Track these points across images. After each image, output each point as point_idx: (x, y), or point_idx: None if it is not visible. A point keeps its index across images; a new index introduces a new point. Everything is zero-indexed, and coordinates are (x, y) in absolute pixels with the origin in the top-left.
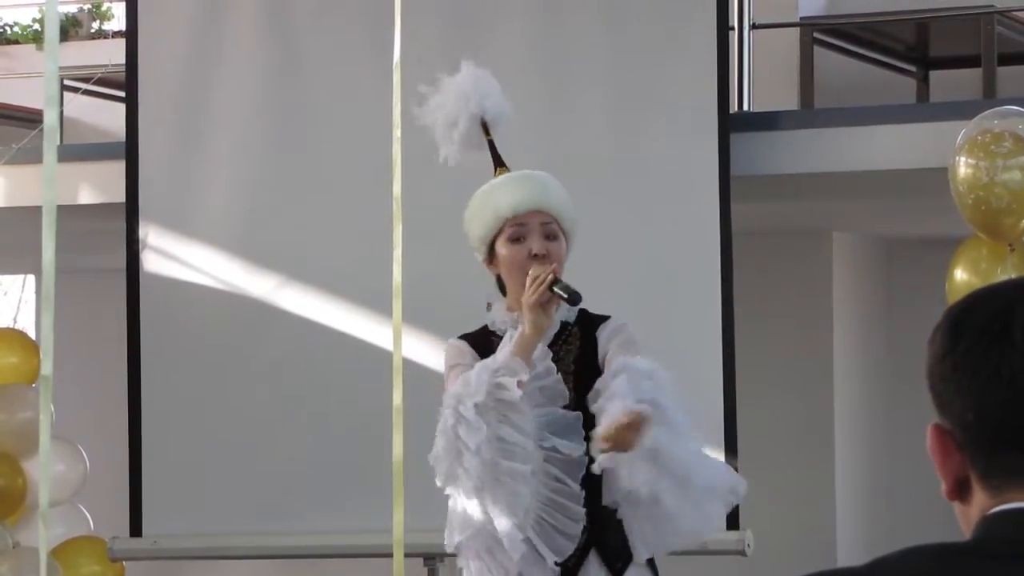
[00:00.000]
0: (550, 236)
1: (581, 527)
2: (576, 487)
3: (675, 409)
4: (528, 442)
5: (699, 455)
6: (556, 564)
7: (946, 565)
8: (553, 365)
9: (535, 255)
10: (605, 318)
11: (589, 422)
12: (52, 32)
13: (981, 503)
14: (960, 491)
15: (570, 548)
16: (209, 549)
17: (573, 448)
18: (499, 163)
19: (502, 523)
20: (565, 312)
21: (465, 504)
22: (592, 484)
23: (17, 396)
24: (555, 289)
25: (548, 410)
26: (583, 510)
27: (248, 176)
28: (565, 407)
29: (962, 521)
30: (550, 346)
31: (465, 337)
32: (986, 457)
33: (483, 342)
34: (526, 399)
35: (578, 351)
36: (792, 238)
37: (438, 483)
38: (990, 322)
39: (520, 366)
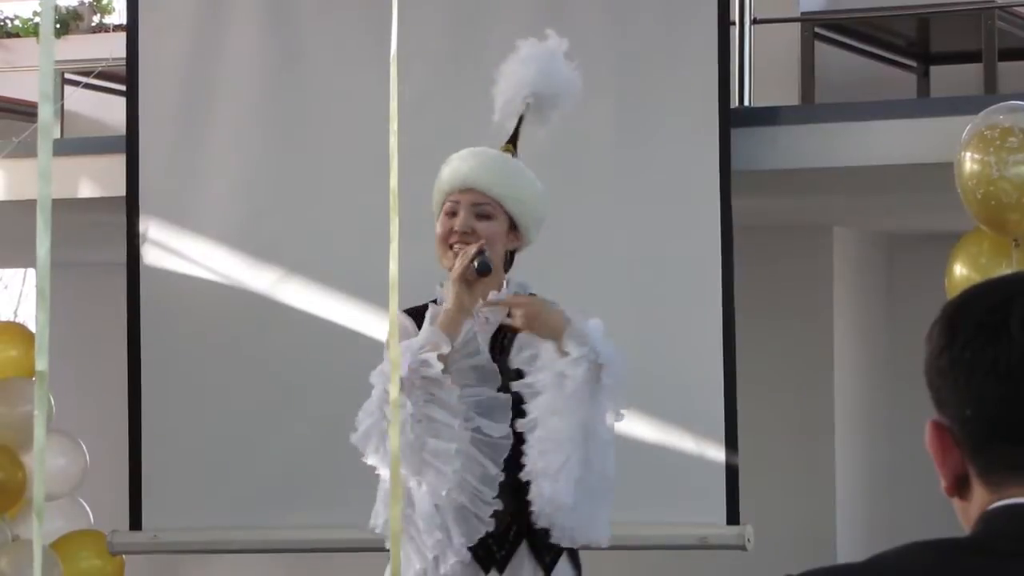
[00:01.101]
0: (482, 216)
1: (491, 511)
2: (494, 469)
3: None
4: (455, 420)
5: (608, 445)
6: (477, 551)
7: (946, 561)
8: (483, 345)
9: (455, 231)
10: None
11: (518, 409)
12: (47, 28)
13: (981, 499)
14: (959, 487)
15: (481, 531)
16: (209, 543)
17: (497, 429)
18: (510, 139)
19: (423, 505)
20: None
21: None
22: (516, 470)
23: (17, 389)
24: (473, 261)
25: (479, 390)
26: (494, 493)
27: (249, 170)
28: (499, 390)
29: (962, 518)
30: (495, 334)
31: (409, 311)
32: (985, 453)
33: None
34: (458, 377)
35: (515, 338)
36: (793, 233)
37: (368, 462)
38: (987, 316)
39: (441, 338)
